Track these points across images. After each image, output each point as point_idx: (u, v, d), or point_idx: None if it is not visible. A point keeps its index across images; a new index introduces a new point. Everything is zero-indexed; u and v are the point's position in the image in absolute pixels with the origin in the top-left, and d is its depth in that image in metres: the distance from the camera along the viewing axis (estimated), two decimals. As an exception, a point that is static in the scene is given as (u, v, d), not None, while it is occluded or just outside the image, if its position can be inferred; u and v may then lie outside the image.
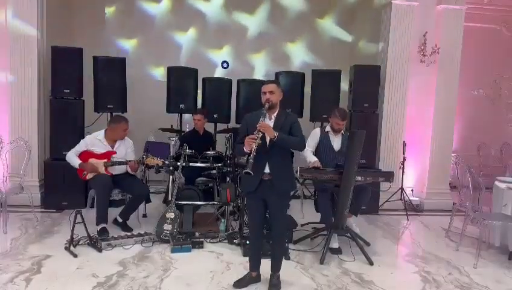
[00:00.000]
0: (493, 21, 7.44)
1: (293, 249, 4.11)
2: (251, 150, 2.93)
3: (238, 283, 3.28)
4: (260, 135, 2.96)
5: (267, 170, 3.09)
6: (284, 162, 3.17)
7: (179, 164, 4.45)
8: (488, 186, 4.31)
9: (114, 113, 5.24)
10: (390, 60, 5.82)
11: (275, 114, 3.17)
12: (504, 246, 4.29)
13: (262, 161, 3.04)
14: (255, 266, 3.33)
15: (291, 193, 3.56)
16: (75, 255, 3.74)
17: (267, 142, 3.05)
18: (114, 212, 4.60)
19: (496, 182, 4.51)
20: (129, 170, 4.47)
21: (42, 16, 5.32)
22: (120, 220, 4.53)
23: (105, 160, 4.41)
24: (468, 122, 7.33)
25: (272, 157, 3.08)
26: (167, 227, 4.15)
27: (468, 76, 6.93)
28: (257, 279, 3.35)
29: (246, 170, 2.91)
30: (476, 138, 7.10)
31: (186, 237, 4.15)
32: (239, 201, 4.56)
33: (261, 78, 6.62)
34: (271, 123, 3.12)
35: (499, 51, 7.51)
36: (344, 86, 5.99)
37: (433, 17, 5.92)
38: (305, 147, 3.33)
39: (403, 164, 5.73)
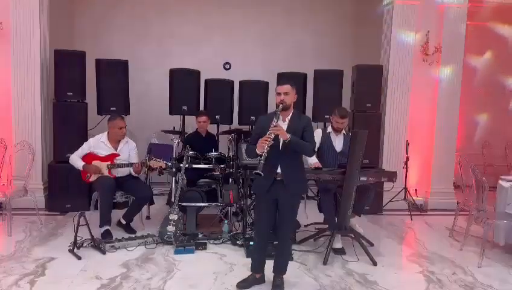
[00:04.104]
0: (496, 18, 7.40)
1: (296, 250, 4.10)
2: (262, 153, 2.93)
3: (242, 284, 3.27)
4: (273, 136, 2.95)
5: (279, 170, 3.10)
6: (296, 163, 3.16)
7: (181, 165, 4.46)
8: (492, 186, 4.28)
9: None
10: (392, 60, 5.80)
11: (289, 116, 3.16)
12: (509, 246, 4.27)
13: (274, 161, 3.05)
14: (259, 267, 3.32)
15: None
16: (79, 257, 3.75)
17: (280, 144, 3.05)
18: (117, 215, 4.62)
19: (500, 181, 4.48)
20: (132, 172, 4.48)
21: (45, 20, 5.35)
22: (123, 222, 4.54)
23: (109, 162, 4.43)
24: (472, 121, 7.29)
25: (284, 159, 3.08)
26: (170, 229, 4.15)
27: (472, 74, 6.90)
28: (261, 280, 3.34)
29: (256, 171, 2.91)
30: (480, 137, 7.06)
31: (190, 238, 4.15)
32: (242, 202, 4.56)
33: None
34: (285, 125, 3.12)
35: (503, 49, 7.47)
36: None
37: (435, 16, 5.89)
38: (314, 154, 3.30)
39: (406, 163, 5.72)
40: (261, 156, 2.93)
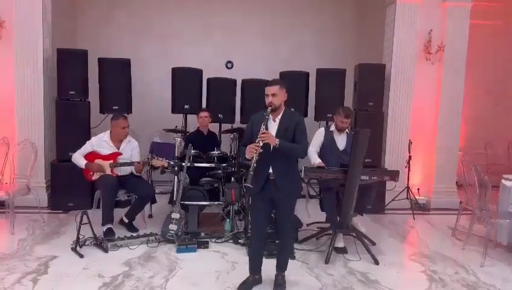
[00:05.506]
0: (499, 17, 7.37)
1: (298, 249, 4.10)
2: (252, 158, 2.90)
3: (242, 287, 3.22)
4: (261, 144, 2.91)
5: (271, 170, 3.08)
6: (288, 164, 3.13)
7: (183, 164, 4.46)
8: (495, 185, 4.27)
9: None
10: (395, 59, 5.78)
11: (279, 116, 3.12)
12: (511, 245, 4.25)
13: (266, 162, 3.03)
14: (256, 268, 3.29)
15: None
16: (82, 256, 3.76)
17: (271, 146, 3.02)
18: (120, 213, 4.63)
19: (503, 180, 4.46)
20: (134, 171, 4.49)
21: (47, 19, 5.36)
22: (126, 220, 4.56)
23: (111, 161, 4.43)
24: (475, 120, 7.27)
25: (276, 159, 3.05)
26: (172, 227, 4.16)
27: (474, 73, 6.87)
28: (259, 280, 3.33)
29: (246, 184, 2.90)
30: (483, 136, 7.04)
31: (192, 237, 4.17)
32: (244, 201, 4.56)
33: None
34: (275, 126, 3.09)
35: (506, 48, 7.44)
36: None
37: (438, 15, 5.87)
38: (306, 155, 3.26)
39: (408, 162, 5.70)
40: (250, 164, 2.89)
